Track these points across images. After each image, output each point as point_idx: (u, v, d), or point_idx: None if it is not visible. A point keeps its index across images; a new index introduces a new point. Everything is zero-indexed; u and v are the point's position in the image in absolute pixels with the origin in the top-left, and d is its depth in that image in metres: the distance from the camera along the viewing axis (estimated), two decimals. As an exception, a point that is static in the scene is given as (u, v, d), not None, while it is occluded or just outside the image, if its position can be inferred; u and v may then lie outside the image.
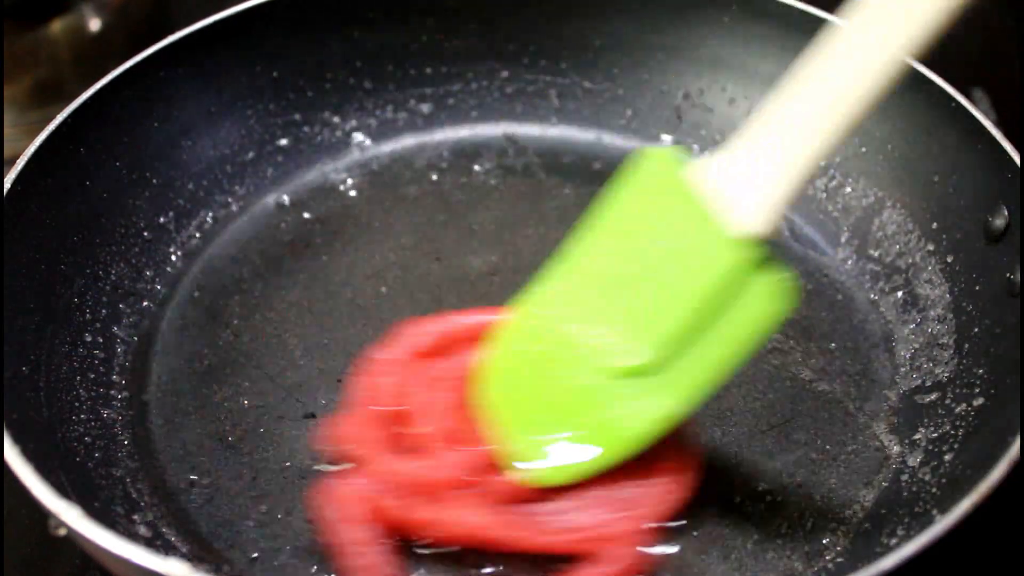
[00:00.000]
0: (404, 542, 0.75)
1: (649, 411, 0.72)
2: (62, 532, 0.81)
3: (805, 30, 0.99)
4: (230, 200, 1.02)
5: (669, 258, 0.71)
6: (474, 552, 0.74)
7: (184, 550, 0.75)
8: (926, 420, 0.82)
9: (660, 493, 0.76)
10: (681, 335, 0.70)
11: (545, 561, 0.74)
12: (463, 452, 0.76)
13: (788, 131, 0.66)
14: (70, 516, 0.63)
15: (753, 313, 0.68)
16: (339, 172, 1.06)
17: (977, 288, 0.85)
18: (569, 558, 0.74)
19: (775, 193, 0.67)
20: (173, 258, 0.96)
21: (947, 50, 0.81)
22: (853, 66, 0.64)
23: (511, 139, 1.10)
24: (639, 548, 0.73)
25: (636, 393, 0.73)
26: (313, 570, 0.75)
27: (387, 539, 0.74)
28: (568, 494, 0.75)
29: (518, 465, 0.75)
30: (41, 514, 0.66)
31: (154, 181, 0.97)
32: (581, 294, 0.76)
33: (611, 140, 1.09)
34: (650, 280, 0.72)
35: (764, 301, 0.68)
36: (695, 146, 1.07)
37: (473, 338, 0.83)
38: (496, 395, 0.79)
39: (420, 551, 0.75)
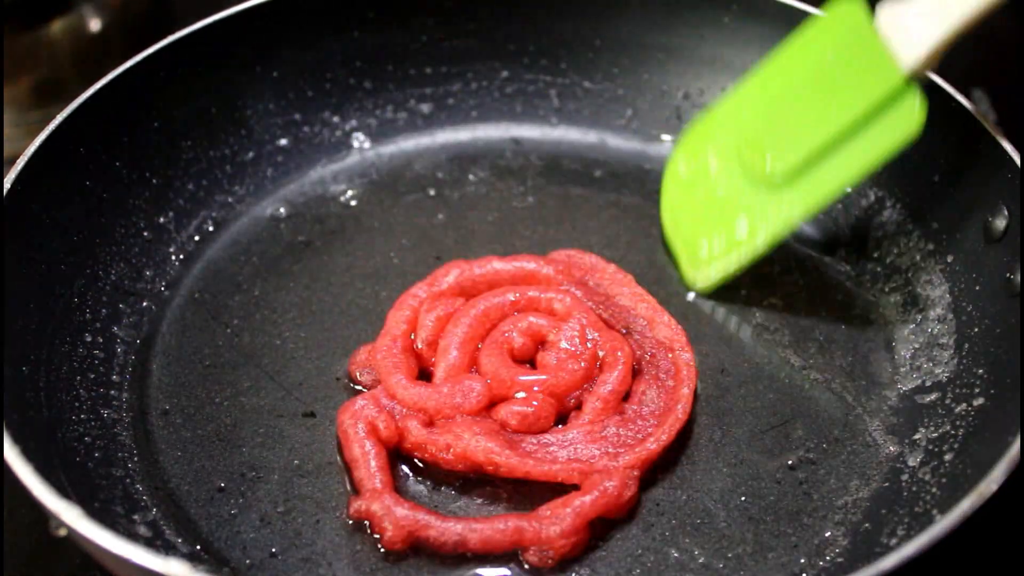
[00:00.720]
0: (407, 461, 0.80)
1: (793, 206, 0.88)
2: (63, 532, 0.81)
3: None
4: (230, 200, 1.02)
5: (836, 75, 0.86)
6: (472, 478, 0.79)
7: (184, 550, 0.75)
8: (926, 420, 0.82)
9: (652, 436, 0.79)
10: (830, 144, 0.85)
11: (534, 488, 0.78)
12: (472, 383, 0.81)
13: None
14: (70, 516, 0.63)
15: (891, 132, 0.83)
16: (339, 172, 1.06)
17: (977, 288, 0.85)
18: (560, 487, 0.77)
19: (934, 34, 0.80)
20: (173, 258, 0.96)
21: (947, 50, 0.81)
22: None
23: (511, 139, 1.10)
24: (627, 483, 0.76)
25: (782, 194, 0.88)
26: (313, 569, 0.75)
27: (391, 456, 0.79)
28: (563, 431, 0.80)
29: (689, 271, 0.94)
30: (42, 514, 0.66)
31: (154, 181, 0.97)
32: (752, 112, 0.92)
33: (611, 140, 1.09)
34: (814, 94, 0.87)
35: (900, 122, 0.82)
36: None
37: (493, 282, 0.90)
38: (672, 206, 0.98)
39: (419, 470, 0.80)
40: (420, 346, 0.85)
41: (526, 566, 0.74)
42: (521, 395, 0.81)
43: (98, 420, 0.82)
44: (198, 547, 0.76)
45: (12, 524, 0.83)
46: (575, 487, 0.77)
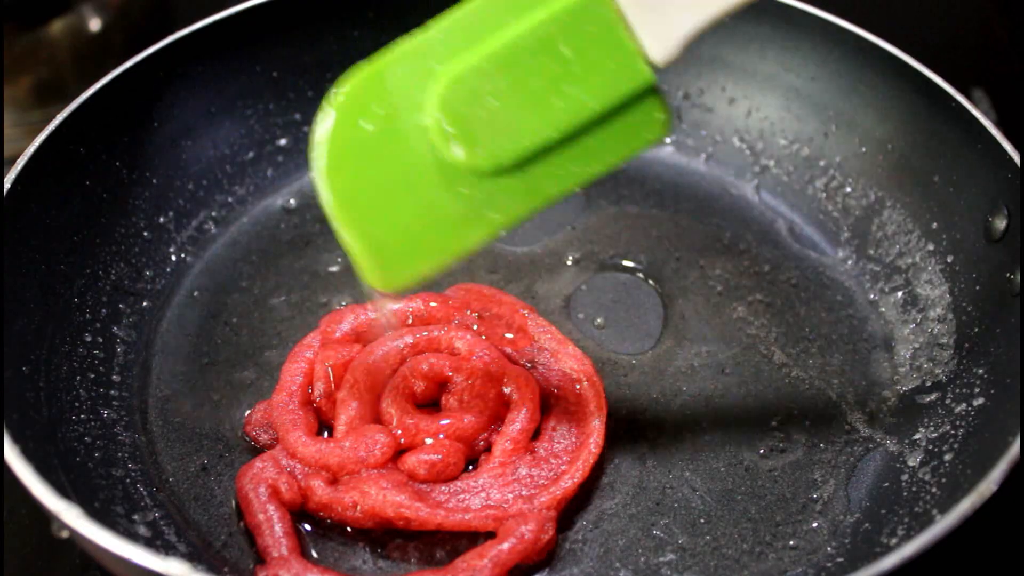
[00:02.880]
0: (313, 520, 0.77)
1: (495, 211, 0.70)
2: (64, 535, 0.81)
3: (805, 30, 1.00)
4: (230, 200, 1.02)
5: (566, 58, 0.69)
6: (383, 534, 0.76)
7: (184, 550, 0.75)
8: (926, 420, 0.82)
9: (567, 474, 0.77)
10: (558, 142, 0.69)
11: (448, 539, 0.75)
12: (376, 435, 0.78)
13: None
14: (70, 516, 0.63)
15: (628, 137, 0.69)
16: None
17: (977, 288, 0.85)
18: (476, 535, 0.75)
19: (686, 27, 0.68)
20: (173, 258, 0.96)
21: (947, 50, 0.81)
22: None
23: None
24: (543, 526, 0.73)
25: (485, 190, 0.70)
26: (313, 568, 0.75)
27: (295, 518, 0.76)
28: (474, 476, 0.77)
29: (364, 262, 0.72)
30: (43, 516, 0.65)
31: (154, 181, 0.97)
32: (444, 73, 0.70)
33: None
34: (536, 76, 0.69)
35: (642, 127, 0.69)
36: (693, 145, 1.07)
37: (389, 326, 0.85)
38: (335, 182, 0.72)
39: (326, 530, 0.76)
40: (318, 399, 0.81)
41: None
42: (428, 442, 0.78)
43: (98, 420, 0.82)
44: (198, 547, 0.76)
45: (12, 525, 0.83)
46: (491, 534, 0.74)
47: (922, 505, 0.75)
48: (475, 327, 0.86)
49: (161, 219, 0.97)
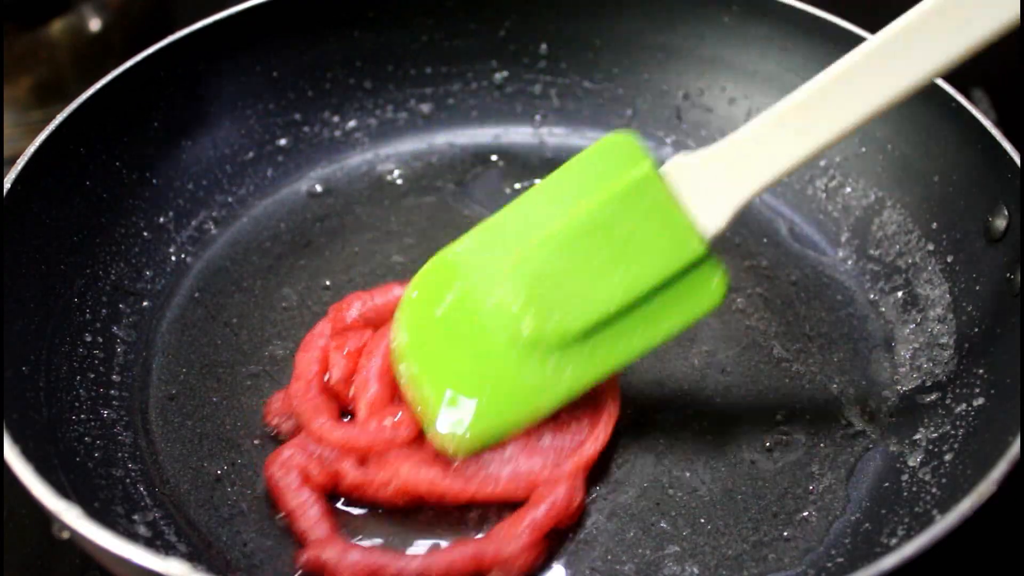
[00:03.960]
0: (346, 503, 0.78)
1: (564, 381, 0.75)
2: (66, 535, 0.81)
3: (805, 30, 1.00)
4: (230, 200, 1.02)
5: (623, 236, 0.74)
6: (412, 510, 0.77)
7: (184, 550, 0.75)
8: (926, 420, 0.82)
9: (590, 438, 0.79)
10: (618, 315, 0.74)
11: (477, 511, 0.77)
12: (400, 414, 0.78)
13: (760, 148, 0.73)
14: (70, 516, 0.63)
15: (687, 304, 0.75)
16: (339, 172, 1.06)
17: (977, 288, 0.85)
18: (504, 506, 0.76)
19: (737, 199, 0.73)
20: (173, 258, 0.96)
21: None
22: (830, 109, 0.71)
23: (511, 139, 1.10)
24: (574, 489, 0.76)
25: (554, 362, 0.75)
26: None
27: (327, 501, 0.77)
28: (501, 448, 0.78)
29: (438, 431, 0.76)
30: (43, 516, 0.65)
31: (154, 181, 0.97)
32: (511, 256, 0.77)
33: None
34: (601, 259, 0.74)
35: (700, 295, 0.74)
36: (693, 145, 1.07)
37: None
38: (413, 357, 0.78)
39: (360, 511, 0.78)
40: (335, 385, 0.82)
41: None
42: None
43: (98, 420, 0.82)
44: (198, 547, 0.76)
45: (12, 525, 0.83)
46: (518, 506, 0.75)
47: (922, 505, 0.75)
48: None
49: (161, 219, 0.97)
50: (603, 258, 0.74)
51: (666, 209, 0.74)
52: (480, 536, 0.74)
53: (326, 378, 0.82)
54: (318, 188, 1.05)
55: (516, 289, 0.75)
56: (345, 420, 0.81)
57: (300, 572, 0.73)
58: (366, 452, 0.77)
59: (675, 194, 0.74)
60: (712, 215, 0.74)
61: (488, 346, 0.76)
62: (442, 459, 0.77)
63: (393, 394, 0.81)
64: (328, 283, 0.95)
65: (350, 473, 0.77)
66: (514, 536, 0.73)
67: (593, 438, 0.79)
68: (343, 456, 0.77)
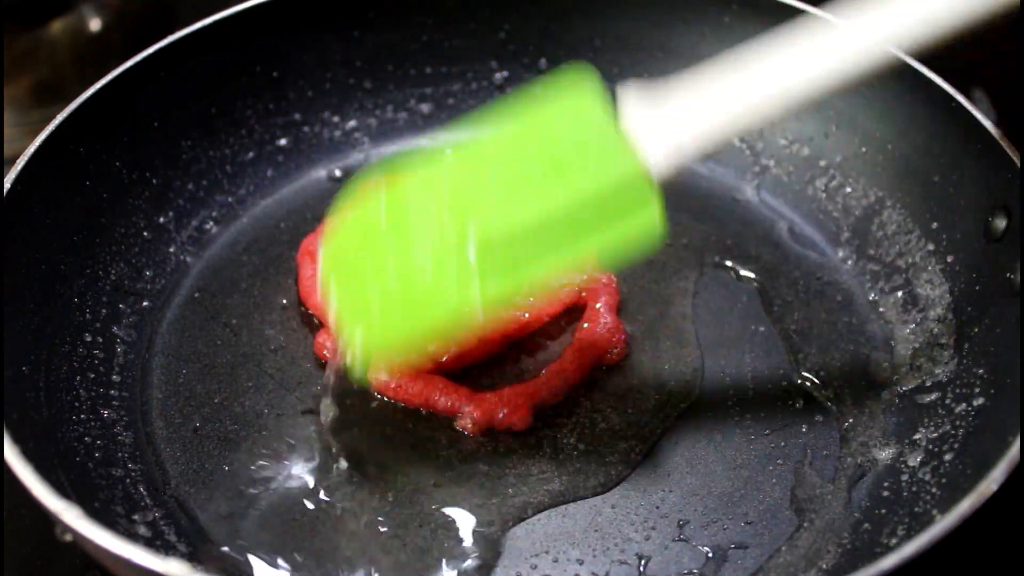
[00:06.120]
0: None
1: (494, 288, 0.71)
2: (68, 538, 0.81)
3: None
4: (230, 200, 1.02)
5: (565, 157, 0.72)
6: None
7: (184, 550, 0.75)
8: (926, 420, 0.82)
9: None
10: (546, 227, 0.71)
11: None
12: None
13: (723, 97, 0.70)
14: (70, 516, 0.63)
15: (620, 236, 0.71)
16: (339, 172, 1.06)
17: (977, 288, 0.85)
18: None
19: (691, 143, 0.70)
20: (173, 258, 0.96)
21: (947, 50, 0.81)
22: (802, 62, 0.70)
23: (511, 139, 1.10)
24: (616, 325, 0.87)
25: (486, 270, 0.71)
26: (313, 569, 0.75)
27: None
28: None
29: (361, 348, 0.74)
30: (43, 516, 0.65)
31: (154, 181, 0.97)
32: (457, 174, 0.75)
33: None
34: (536, 171, 0.73)
35: (635, 229, 0.71)
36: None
37: None
38: (343, 270, 0.77)
39: None
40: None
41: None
42: None
43: (98, 420, 0.82)
44: (198, 547, 0.76)
45: (12, 525, 0.83)
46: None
47: (922, 505, 0.75)
48: None
49: (161, 219, 0.97)
50: (535, 167, 0.73)
51: (607, 129, 0.72)
52: (530, 381, 0.84)
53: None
54: (318, 188, 1.05)
55: (443, 194, 0.74)
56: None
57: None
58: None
59: (621, 118, 0.72)
60: (658, 151, 0.70)
61: (412, 256, 0.74)
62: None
63: None
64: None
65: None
66: (561, 371, 0.84)
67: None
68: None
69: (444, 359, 0.84)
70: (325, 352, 0.87)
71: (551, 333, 0.90)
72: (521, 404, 0.82)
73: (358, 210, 0.77)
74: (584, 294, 0.90)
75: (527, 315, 0.87)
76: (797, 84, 0.69)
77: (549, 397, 0.84)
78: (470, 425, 0.82)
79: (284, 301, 0.93)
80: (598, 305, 0.89)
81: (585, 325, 0.88)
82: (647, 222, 0.71)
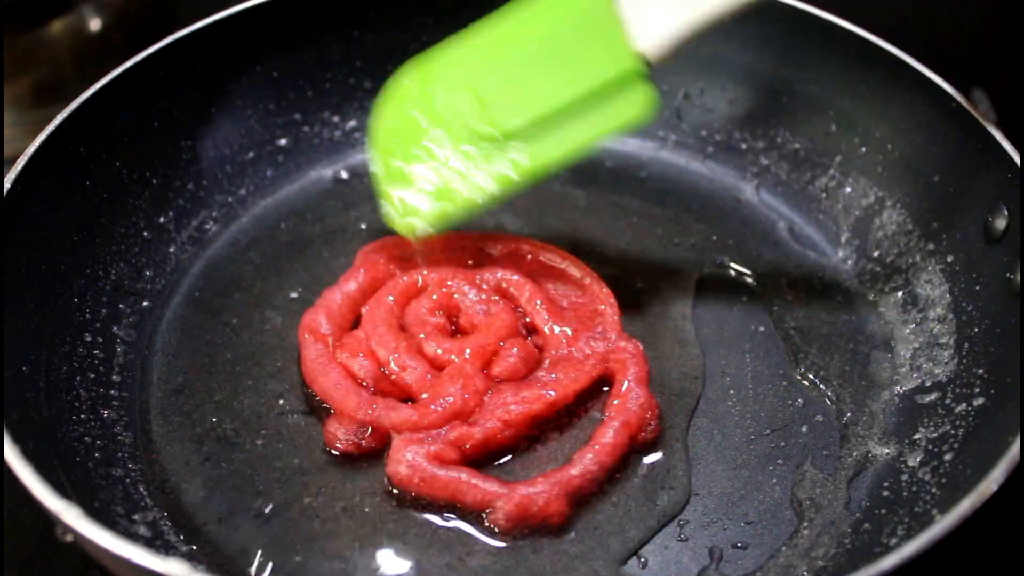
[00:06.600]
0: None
1: (510, 167, 0.85)
2: (69, 539, 0.81)
3: (805, 30, 1.00)
4: (230, 200, 1.02)
5: (570, 49, 0.84)
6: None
7: (184, 550, 0.75)
8: (926, 420, 0.82)
9: (597, 302, 0.88)
10: (558, 114, 0.84)
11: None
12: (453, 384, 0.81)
13: None
14: (70, 516, 0.63)
15: (618, 114, 0.83)
16: (339, 172, 1.06)
17: (977, 288, 0.85)
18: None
19: (673, 28, 0.80)
20: (173, 258, 0.96)
21: (947, 50, 0.81)
22: None
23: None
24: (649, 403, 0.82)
25: (501, 153, 0.85)
26: (313, 567, 0.75)
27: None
28: (539, 367, 0.85)
29: (403, 217, 0.88)
30: (43, 516, 0.65)
31: (154, 181, 0.97)
32: (479, 62, 0.88)
33: (611, 140, 1.09)
34: (546, 62, 0.85)
35: (630, 107, 0.83)
36: (692, 143, 1.07)
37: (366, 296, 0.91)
38: (383, 160, 0.90)
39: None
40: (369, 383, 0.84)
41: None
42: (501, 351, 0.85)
43: (98, 420, 0.82)
44: (198, 547, 0.76)
45: (12, 526, 0.83)
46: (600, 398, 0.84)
47: (922, 505, 0.75)
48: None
49: (161, 219, 0.97)
50: (543, 60, 0.85)
51: (606, 23, 0.83)
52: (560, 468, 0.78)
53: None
54: (318, 188, 1.05)
55: (464, 88, 0.87)
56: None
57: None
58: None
59: (617, 11, 0.82)
60: (650, 38, 0.81)
61: (441, 141, 0.87)
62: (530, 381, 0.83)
63: (437, 364, 0.84)
64: (328, 283, 0.95)
65: (477, 435, 0.79)
66: (632, 394, 0.81)
67: (601, 301, 0.88)
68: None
69: (468, 446, 0.79)
70: (337, 444, 0.81)
71: (578, 408, 0.84)
72: (558, 494, 0.76)
73: (394, 96, 0.90)
74: (611, 365, 0.84)
75: (552, 394, 0.81)
76: None
77: (586, 486, 0.78)
78: (502, 520, 0.76)
79: (284, 301, 0.93)
80: (628, 379, 0.83)
81: (616, 402, 0.82)
82: (642, 98, 0.83)
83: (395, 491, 0.78)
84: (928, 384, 0.85)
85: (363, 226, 1.01)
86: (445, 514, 0.77)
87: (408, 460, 0.77)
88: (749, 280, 0.95)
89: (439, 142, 0.87)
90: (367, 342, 0.85)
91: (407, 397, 0.83)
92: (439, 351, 0.84)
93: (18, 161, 0.82)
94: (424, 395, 0.82)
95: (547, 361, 0.85)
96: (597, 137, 0.85)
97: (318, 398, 0.84)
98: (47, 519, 0.66)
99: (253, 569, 0.74)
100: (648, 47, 0.81)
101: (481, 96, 0.86)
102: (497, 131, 0.85)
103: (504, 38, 0.87)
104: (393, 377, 0.83)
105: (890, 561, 0.61)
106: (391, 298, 0.88)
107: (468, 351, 0.83)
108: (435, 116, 0.87)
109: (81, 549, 0.78)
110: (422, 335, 0.86)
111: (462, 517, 0.77)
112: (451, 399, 0.80)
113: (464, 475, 0.76)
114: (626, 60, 0.82)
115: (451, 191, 0.86)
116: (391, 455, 0.78)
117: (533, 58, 0.85)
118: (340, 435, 0.81)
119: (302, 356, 0.85)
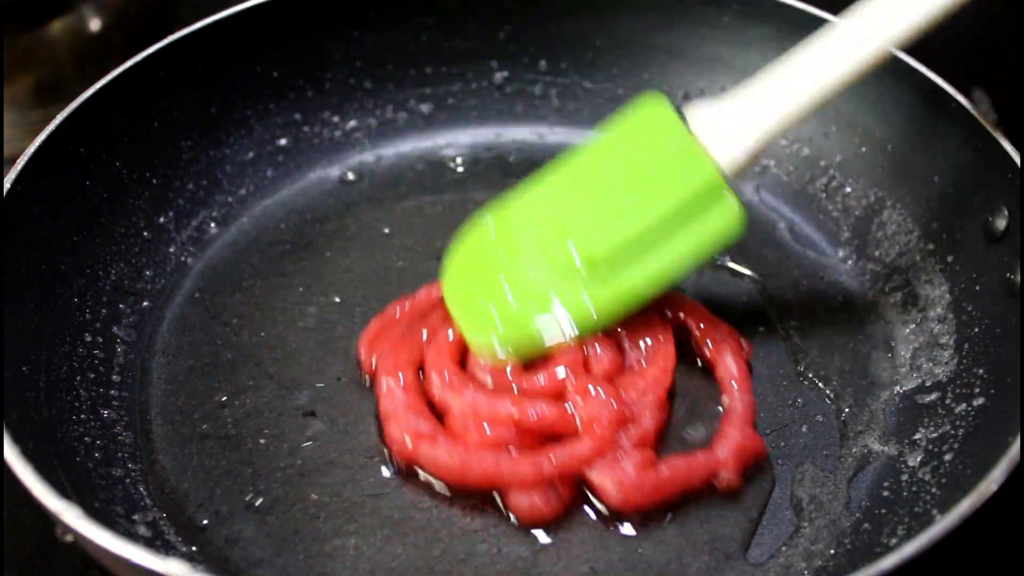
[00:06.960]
0: None
1: (599, 301, 0.82)
2: (69, 539, 0.81)
3: (805, 30, 1.00)
4: (230, 200, 1.02)
5: (648, 172, 0.83)
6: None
7: (184, 550, 0.75)
8: (926, 420, 0.82)
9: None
10: (642, 239, 0.81)
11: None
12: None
13: (771, 95, 0.82)
14: (70, 516, 0.63)
15: (708, 233, 0.82)
16: (339, 172, 1.07)
17: (977, 288, 0.85)
18: None
19: (751, 139, 0.81)
20: (173, 258, 0.96)
21: (947, 50, 0.81)
22: (829, 58, 0.80)
23: (511, 139, 1.10)
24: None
25: (589, 286, 0.81)
26: (313, 568, 0.75)
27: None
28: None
29: (482, 352, 0.82)
30: (43, 516, 0.66)
31: (154, 181, 0.97)
32: (556, 197, 0.86)
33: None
34: (625, 188, 0.83)
35: (719, 225, 0.82)
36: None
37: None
38: (462, 289, 0.86)
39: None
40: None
41: None
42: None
43: (98, 420, 0.82)
44: (198, 547, 0.76)
45: (12, 526, 0.83)
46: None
47: (922, 505, 0.75)
48: None
49: (161, 219, 0.97)
50: (622, 188, 0.83)
51: (682, 141, 0.82)
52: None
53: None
54: (318, 188, 1.05)
55: (546, 219, 0.84)
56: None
57: None
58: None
59: (691, 131, 0.82)
60: (725, 151, 0.81)
61: (524, 274, 0.83)
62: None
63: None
64: (329, 283, 0.95)
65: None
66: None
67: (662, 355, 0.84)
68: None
69: (647, 440, 0.78)
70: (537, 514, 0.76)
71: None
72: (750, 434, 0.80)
73: (471, 237, 0.88)
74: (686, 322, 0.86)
75: (664, 364, 0.82)
76: (828, 80, 0.80)
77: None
78: (731, 475, 0.77)
79: (284, 301, 0.93)
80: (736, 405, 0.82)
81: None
82: (729, 216, 0.82)
83: (399, 490, 0.78)
84: (928, 384, 0.85)
85: (363, 226, 1.01)
86: (456, 511, 0.77)
87: (627, 482, 0.75)
88: (749, 280, 0.95)
89: (520, 276, 0.83)
90: (484, 408, 0.79)
91: (552, 435, 0.79)
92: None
93: (18, 161, 0.82)
94: (578, 421, 0.78)
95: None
96: (684, 260, 0.82)
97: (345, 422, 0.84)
98: (47, 519, 0.67)
99: (254, 569, 0.74)
100: (725, 163, 0.81)
101: (561, 229, 0.83)
102: (580, 259, 0.81)
103: (581, 171, 0.86)
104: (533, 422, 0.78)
105: (890, 561, 0.61)
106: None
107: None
108: (514, 251, 0.84)
109: (81, 549, 0.78)
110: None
111: (482, 514, 0.77)
112: (607, 411, 0.77)
113: (679, 463, 0.77)
114: (706, 174, 0.81)
115: (532, 326, 0.82)
116: (598, 489, 0.76)
117: (612, 187, 0.84)
118: (536, 503, 0.76)
119: (436, 454, 0.78)
